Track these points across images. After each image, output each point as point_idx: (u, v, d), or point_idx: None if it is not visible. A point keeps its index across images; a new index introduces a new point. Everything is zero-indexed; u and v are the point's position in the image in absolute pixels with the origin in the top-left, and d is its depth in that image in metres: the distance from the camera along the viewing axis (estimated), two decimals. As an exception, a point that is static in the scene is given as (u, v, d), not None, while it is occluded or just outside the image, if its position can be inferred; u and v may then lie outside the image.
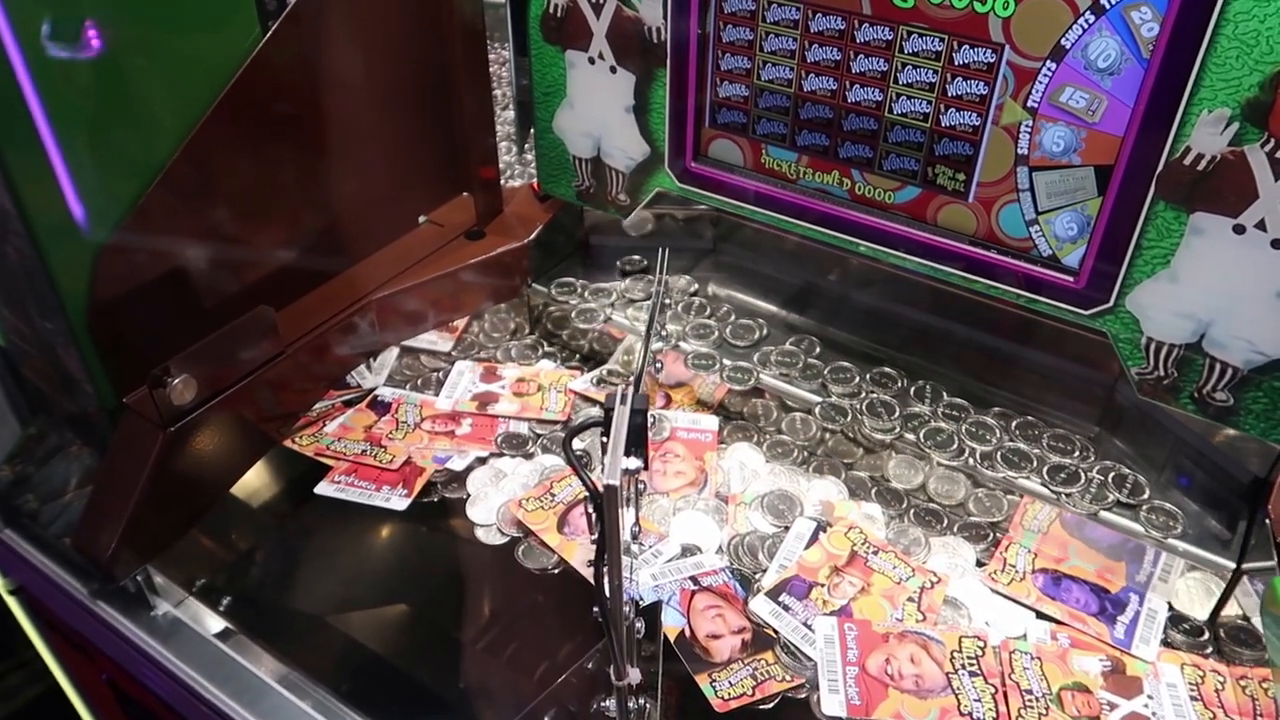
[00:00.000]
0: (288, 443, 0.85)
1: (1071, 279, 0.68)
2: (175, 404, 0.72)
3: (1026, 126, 0.66)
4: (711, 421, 0.86)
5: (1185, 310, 0.64)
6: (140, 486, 0.73)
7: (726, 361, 0.85)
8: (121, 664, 0.81)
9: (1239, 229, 0.59)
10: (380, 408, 0.90)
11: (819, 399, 0.82)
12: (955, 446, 0.77)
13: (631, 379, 0.56)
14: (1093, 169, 0.64)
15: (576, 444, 0.85)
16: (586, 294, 0.94)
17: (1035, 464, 0.75)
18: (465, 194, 0.98)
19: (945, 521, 0.78)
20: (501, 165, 1.01)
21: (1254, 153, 0.57)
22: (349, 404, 0.91)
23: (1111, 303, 0.66)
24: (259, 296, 0.79)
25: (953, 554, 0.75)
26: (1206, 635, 0.70)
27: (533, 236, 0.94)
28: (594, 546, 0.73)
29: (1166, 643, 0.69)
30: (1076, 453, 0.76)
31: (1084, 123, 0.63)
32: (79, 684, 1.04)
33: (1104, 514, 0.71)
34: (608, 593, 0.47)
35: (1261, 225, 0.59)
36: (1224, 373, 0.64)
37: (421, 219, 0.97)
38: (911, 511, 0.79)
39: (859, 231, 0.76)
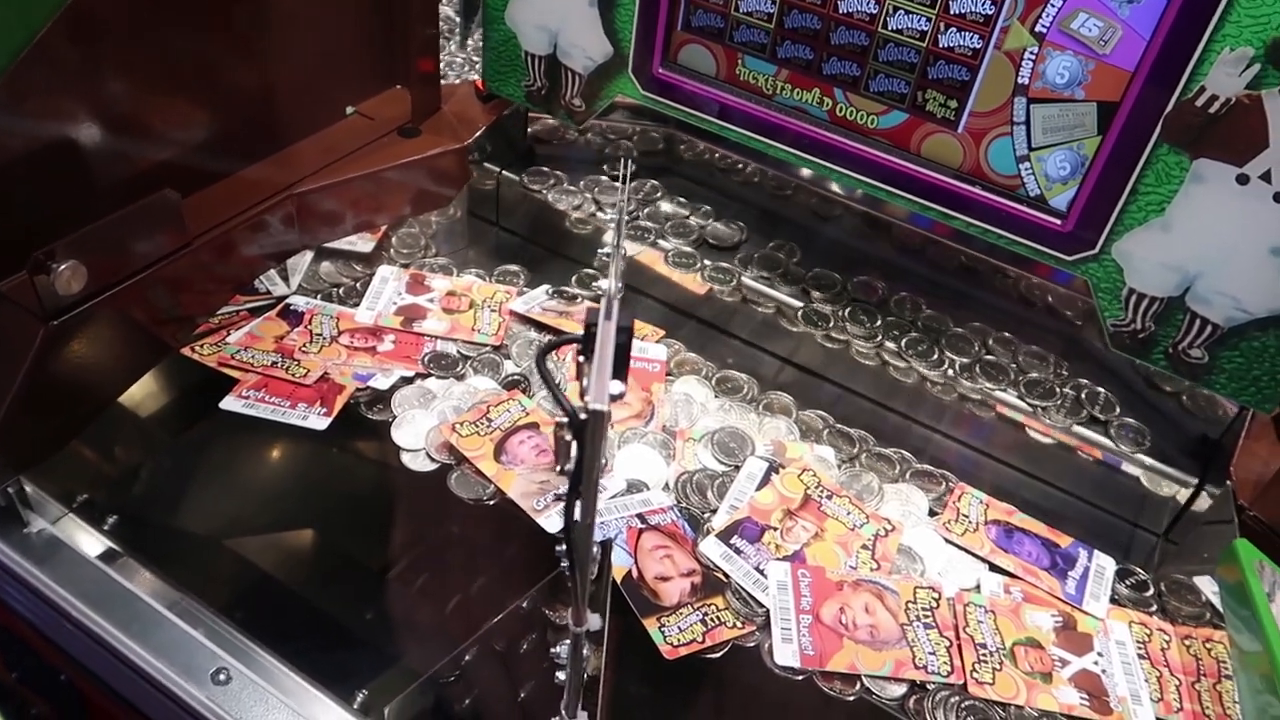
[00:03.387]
0: (186, 350, 0.76)
1: (1058, 222, 0.65)
2: (60, 294, 0.62)
3: (1031, 53, 0.61)
4: (660, 351, 0.80)
5: (1173, 261, 0.61)
6: (15, 387, 0.64)
7: (707, 261, 0.83)
8: (-14, 585, 0.72)
9: (1243, 179, 0.57)
10: (292, 317, 0.81)
11: (800, 304, 0.81)
12: (935, 357, 0.77)
13: (611, 292, 0.51)
14: (1096, 105, 0.61)
15: (516, 362, 0.79)
16: (565, 185, 0.89)
17: (1012, 377, 0.76)
18: (400, 87, 0.89)
19: (898, 469, 0.75)
20: (442, 59, 0.92)
21: (1271, 98, 0.54)
22: (255, 312, 0.82)
23: (1097, 249, 0.64)
24: (159, 184, 0.69)
25: (905, 501, 0.72)
26: (1151, 591, 0.69)
27: (474, 138, 0.86)
28: (542, 477, 0.68)
29: (1114, 599, 0.68)
30: (1051, 369, 0.77)
31: (1093, 53, 0.59)
32: (-67, 604, 0.93)
33: (1076, 428, 0.72)
34: (576, 531, 0.42)
35: (1266, 177, 0.56)
36: (1203, 329, 0.63)
37: (349, 110, 0.87)
38: (863, 456, 0.76)
39: (835, 156, 0.71)
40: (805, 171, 0.86)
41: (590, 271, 0.88)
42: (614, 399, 0.40)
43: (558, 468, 0.44)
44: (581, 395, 0.40)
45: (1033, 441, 0.75)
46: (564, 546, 0.43)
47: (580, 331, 0.42)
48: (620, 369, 0.43)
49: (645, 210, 0.88)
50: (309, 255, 0.87)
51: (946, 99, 0.65)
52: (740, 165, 0.90)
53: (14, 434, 0.65)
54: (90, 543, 0.68)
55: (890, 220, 0.83)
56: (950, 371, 0.76)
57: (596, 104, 0.80)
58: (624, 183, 0.77)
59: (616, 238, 0.63)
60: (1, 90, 0.61)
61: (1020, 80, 0.62)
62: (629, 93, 0.77)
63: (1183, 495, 0.71)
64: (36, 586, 0.65)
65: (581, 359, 0.43)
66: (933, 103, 0.66)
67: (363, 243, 0.89)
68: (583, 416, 0.39)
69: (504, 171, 0.89)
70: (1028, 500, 0.74)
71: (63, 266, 0.62)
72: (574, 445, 0.40)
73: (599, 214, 0.87)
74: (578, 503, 0.41)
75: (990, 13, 0.61)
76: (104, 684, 0.69)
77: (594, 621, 0.47)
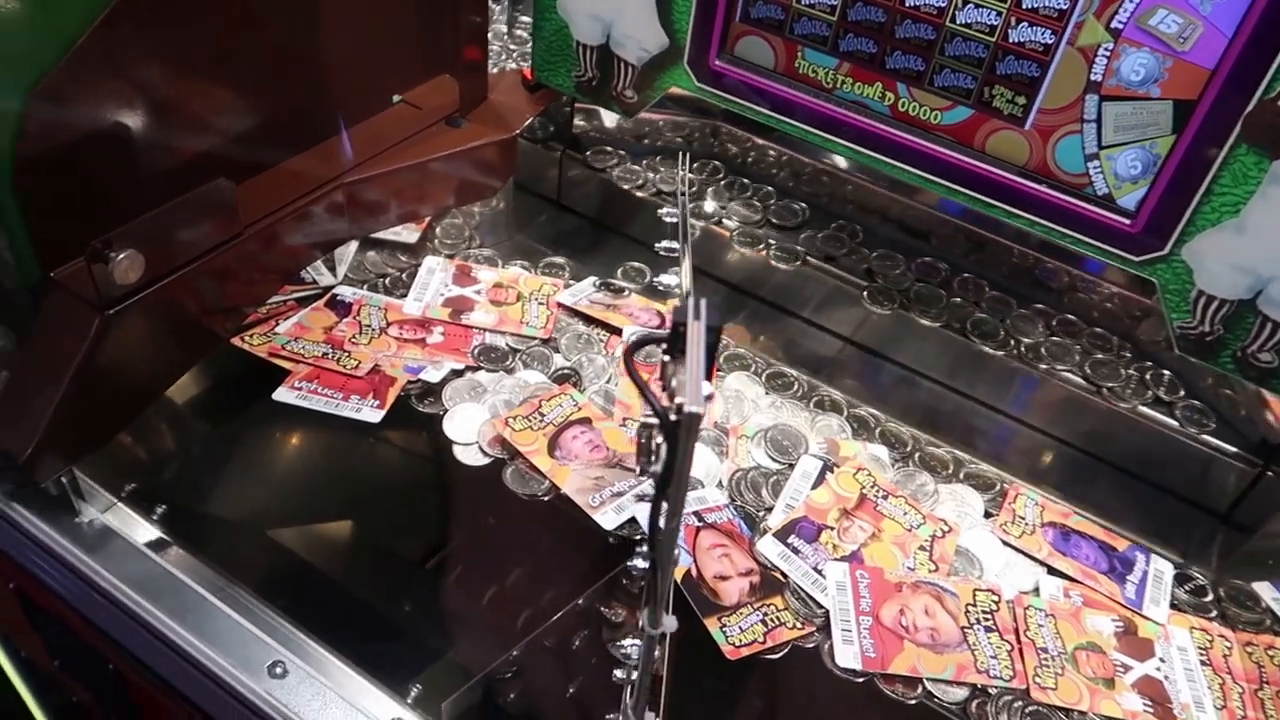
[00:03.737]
0: (236, 340, 0.76)
1: (1127, 222, 0.64)
2: (118, 283, 0.62)
3: (1105, 50, 0.60)
4: (710, 347, 0.80)
5: (1246, 264, 0.60)
6: (70, 376, 0.63)
7: (772, 240, 0.84)
8: (35, 573, 0.72)
9: (1324, 181, 0.56)
10: (340, 308, 0.81)
11: (864, 283, 0.82)
12: (1001, 337, 0.78)
13: (684, 290, 0.50)
14: (1172, 103, 0.59)
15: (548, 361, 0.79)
16: (628, 164, 0.90)
17: (1076, 359, 0.77)
18: (447, 75, 0.88)
19: (951, 468, 0.74)
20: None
21: (1358, 99, 0.53)
22: (303, 302, 0.81)
23: (1166, 250, 0.63)
24: (208, 174, 0.68)
25: (960, 502, 0.72)
26: (1210, 596, 0.68)
27: (521, 129, 0.85)
28: (597, 473, 0.67)
29: (1173, 604, 0.67)
30: (1115, 351, 0.78)
31: (1171, 51, 0.58)
32: (-25, 590, 0.93)
33: (1141, 408, 0.73)
34: (662, 533, 0.41)
35: (1349, 179, 0.55)
36: (1275, 333, 0.62)
37: (396, 99, 0.86)
38: (917, 455, 0.75)
39: (896, 152, 0.70)
40: (857, 168, 0.86)
41: (636, 265, 0.87)
42: (707, 399, 0.39)
43: (639, 468, 0.43)
44: (669, 396, 0.40)
45: (1096, 422, 0.75)
46: (645, 548, 0.43)
47: (655, 331, 0.42)
48: (707, 370, 0.42)
49: (709, 189, 0.89)
50: (354, 245, 0.86)
51: (1014, 95, 0.64)
52: (787, 160, 0.89)
53: (67, 425, 0.65)
54: (142, 532, 0.68)
55: (949, 220, 0.82)
56: (1015, 351, 0.77)
57: (649, 95, 0.79)
58: (683, 171, 0.77)
59: (681, 237, 0.62)
60: (56, 80, 0.60)
61: (1093, 77, 0.61)
62: (683, 84, 0.76)
63: (1246, 478, 0.71)
64: (89, 576, 0.65)
65: (667, 358, 0.42)
66: (1000, 99, 0.65)
67: (408, 233, 0.88)
68: (673, 418, 0.38)
69: (567, 150, 0.90)
70: (1089, 480, 0.75)
71: (121, 255, 0.61)
72: (663, 447, 0.39)
73: (662, 193, 0.88)
74: (664, 504, 0.41)
75: (1064, 7, 0.60)
76: (154, 674, 0.69)
77: (669, 624, 0.46)
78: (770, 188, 0.90)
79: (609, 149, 0.92)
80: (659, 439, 0.39)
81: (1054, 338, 0.79)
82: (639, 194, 0.89)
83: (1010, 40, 0.63)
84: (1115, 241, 0.64)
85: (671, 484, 0.40)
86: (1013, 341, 0.78)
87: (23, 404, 0.65)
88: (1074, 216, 0.65)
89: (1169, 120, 0.60)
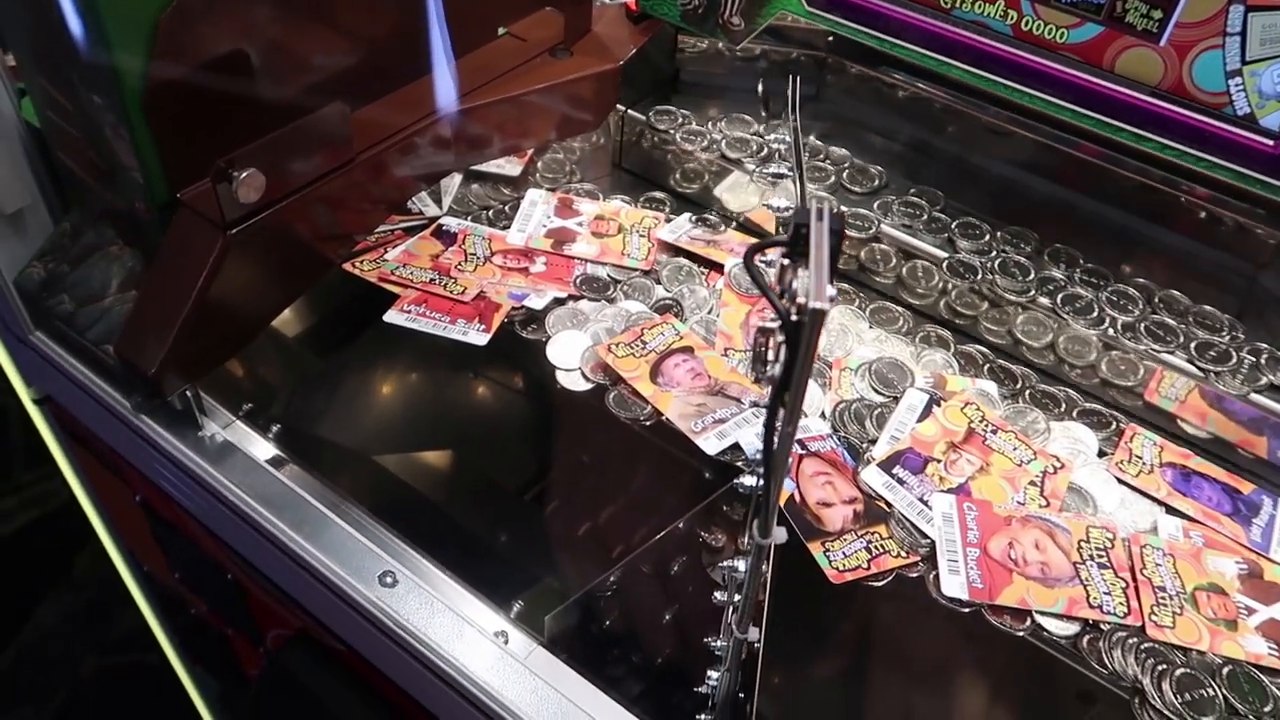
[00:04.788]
0: (347, 266, 0.78)
1: (1270, 143, 0.60)
2: (240, 202, 0.64)
3: (1255, -45, 0.56)
4: (813, 279, 0.78)
5: (1403, 187, 0.56)
6: (195, 294, 0.66)
7: (844, 208, 0.78)
8: (160, 485, 0.76)
9: None
10: (446, 237, 0.82)
11: (945, 254, 0.75)
12: (1095, 314, 0.71)
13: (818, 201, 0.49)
14: (1327, 11, 0.55)
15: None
16: (692, 123, 0.86)
17: (1182, 339, 0.70)
18: (551, 9, 0.87)
19: (1063, 405, 0.72)
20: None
21: None
22: (409, 232, 0.83)
23: (1313, 174, 0.59)
24: (320, 103, 0.70)
25: (1074, 440, 0.69)
26: (1344, 544, 0.65)
27: (626, 59, 0.85)
28: (699, 400, 0.67)
29: (1303, 550, 0.64)
30: (1225, 332, 0.71)
31: (1330, -47, 0.54)
32: (105, 505, 0.99)
33: (1254, 396, 0.67)
34: (776, 438, 0.41)
35: None
36: None
37: (501, 31, 0.86)
38: (1028, 392, 0.73)
39: (1018, 74, 0.67)
40: (971, 99, 0.82)
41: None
42: (831, 300, 0.38)
43: (754, 375, 0.43)
44: (791, 299, 0.39)
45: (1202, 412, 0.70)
46: (755, 461, 0.42)
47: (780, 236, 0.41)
48: (831, 272, 0.41)
49: (783, 148, 0.85)
50: (459, 178, 0.87)
51: (1150, 9, 0.61)
52: (899, 92, 0.86)
53: (191, 342, 0.67)
54: (260, 448, 0.70)
55: (1059, 149, 0.77)
56: (1111, 331, 0.71)
57: (757, 21, 0.77)
58: (794, 101, 0.75)
59: (795, 157, 0.61)
60: (184, 6, 0.62)
61: (1238, -14, 0.57)
62: (793, 8, 0.74)
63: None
64: (213, 485, 0.68)
65: (787, 262, 0.42)
66: (1133, 13, 0.62)
67: (510, 166, 0.89)
68: (795, 317, 0.37)
69: (630, 110, 0.88)
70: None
71: (244, 175, 0.63)
72: (782, 349, 0.39)
73: (726, 155, 0.85)
74: (780, 411, 0.40)
75: (1210, -89, 0.56)
76: (271, 582, 0.72)
77: (780, 534, 0.46)
78: (845, 150, 0.86)
79: (672, 109, 0.88)
80: (779, 339, 0.39)
81: (1154, 316, 0.73)
82: (704, 156, 0.86)
83: (1147, -51, 0.60)
84: (1256, 164, 0.61)
85: (791, 387, 0.39)
86: (1108, 319, 0.72)
87: (150, 322, 0.68)
88: (1211, 138, 0.62)
89: (1323, 30, 0.56)
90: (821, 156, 0.84)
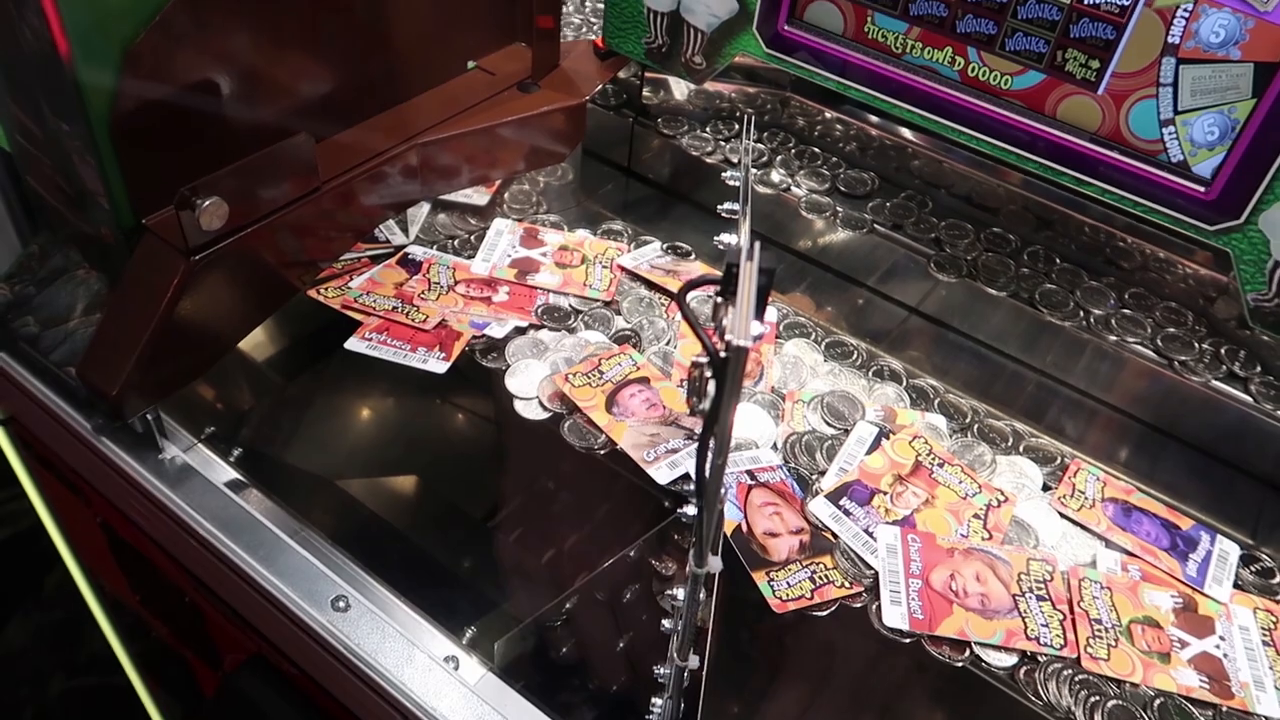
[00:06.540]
0: (312, 293, 0.79)
1: (1201, 189, 0.62)
2: (203, 229, 0.65)
3: (1184, 11, 0.59)
4: (770, 313, 0.80)
5: (1327, 234, 0.58)
6: (157, 318, 0.66)
7: (839, 209, 0.85)
8: (120, 507, 0.76)
9: None
10: (411, 266, 0.83)
11: (931, 251, 0.82)
12: (1070, 308, 0.77)
13: (745, 236, 0.51)
14: (1252, 66, 0.58)
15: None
16: (698, 131, 0.92)
17: (1149, 331, 0.75)
18: (520, 43, 0.89)
19: (1010, 440, 0.74)
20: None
21: None
22: (375, 259, 0.84)
23: (1242, 219, 0.61)
24: (288, 133, 0.71)
25: (1019, 474, 0.71)
26: (1278, 579, 0.67)
27: (592, 95, 0.87)
28: (653, 430, 0.68)
29: (1237, 584, 0.66)
30: (1189, 326, 0.76)
31: (1254, 10, 0.56)
32: (67, 526, 0.99)
33: (1215, 383, 0.72)
34: (708, 470, 0.42)
35: None
36: (1355, 307, 0.60)
37: (470, 64, 0.88)
38: (976, 426, 0.74)
39: (965, 119, 0.69)
40: (926, 142, 0.85)
41: (701, 232, 0.88)
42: (755, 339, 0.40)
43: (689, 408, 0.44)
44: (720, 335, 0.41)
45: (1166, 396, 0.74)
46: (694, 484, 0.44)
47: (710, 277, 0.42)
48: (759, 311, 0.43)
49: (778, 158, 0.89)
50: (426, 207, 0.88)
51: (1088, 59, 0.63)
52: (855, 132, 0.89)
53: (152, 365, 0.68)
54: (219, 472, 0.71)
55: (1011, 190, 0.81)
56: (1085, 323, 0.76)
57: (718, 61, 0.79)
58: (745, 137, 0.77)
59: (742, 198, 0.63)
60: (151, 38, 0.63)
61: (1170, 39, 0.60)
62: (752, 50, 0.77)
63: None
64: (170, 508, 0.69)
65: (720, 299, 0.43)
66: (1073, 63, 0.64)
67: (478, 196, 0.90)
68: (723, 355, 0.39)
69: (638, 117, 0.91)
70: (1156, 457, 0.73)
71: (206, 202, 0.64)
72: (711, 384, 0.40)
73: (730, 161, 0.89)
74: (711, 441, 0.42)
75: (1142, -32, 0.59)
76: (226, 605, 0.73)
77: (715, 564, 0.47)
78: (838, 159, 0.90)
79: (680, 117, 0.93)
80: (709, 375, 0.40)
81: (1125, 310, 0.77)
82: (708, 160, 0.89)
83: (1085, 2, 0.62)
84: (1189, 210, 0.63)
85: (718, 421, 0.41)
86: (1082, 313, 0.77)
87: (112, 345, 0.68)
88: (1146, 184, 0.64)
89: (1249, 83, 0.58)
90: (817, 163, 0.90)
